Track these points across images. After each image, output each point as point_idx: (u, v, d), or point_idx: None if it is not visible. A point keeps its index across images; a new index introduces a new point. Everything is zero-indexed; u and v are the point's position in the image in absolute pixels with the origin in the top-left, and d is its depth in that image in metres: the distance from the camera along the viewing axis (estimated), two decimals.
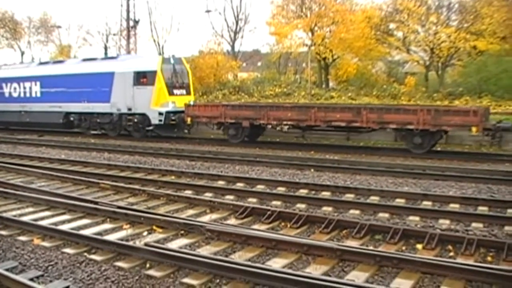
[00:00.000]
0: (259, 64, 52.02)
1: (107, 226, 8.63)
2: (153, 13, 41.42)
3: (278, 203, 10.23)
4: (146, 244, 7.16)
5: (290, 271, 6.22)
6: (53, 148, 20.67)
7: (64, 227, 8.32)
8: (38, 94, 27.81)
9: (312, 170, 14.28)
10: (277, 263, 6.68)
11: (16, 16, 48.41)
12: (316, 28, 31.68)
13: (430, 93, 26.91)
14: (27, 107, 28.17)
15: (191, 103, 22.94)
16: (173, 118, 22.86)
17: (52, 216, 9.30)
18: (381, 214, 9.23)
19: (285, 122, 19.75)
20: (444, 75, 31.13)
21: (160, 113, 22.83)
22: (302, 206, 9.96)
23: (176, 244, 7.53)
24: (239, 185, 12.17)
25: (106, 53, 45.84)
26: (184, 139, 22.99)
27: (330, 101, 27.06)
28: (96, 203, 9.78)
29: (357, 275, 6.23)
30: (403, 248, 7.43)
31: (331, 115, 18.65)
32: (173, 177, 13.41)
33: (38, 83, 27.73)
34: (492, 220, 8.70)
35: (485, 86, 24.72)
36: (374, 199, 10.52)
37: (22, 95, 28.74)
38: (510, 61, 25.62)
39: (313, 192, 11.29)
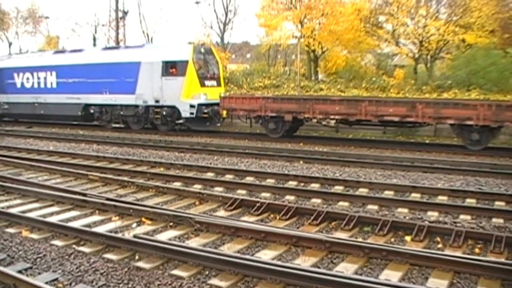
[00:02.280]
0: (248, 55, 51.87)
1: (96, 218, 8.61)
2: (142, 4, 41.04)
3: (267, 195, 10.25)
4: (135, 236, 7.15)
5: (279, 262, 6.24)
6: (41, 139, 20.53)
7: (53, 219, 8.29)
8: (54, 85, 26.22)
9: (301, 162, 14.31)
10: (266, 255, 6.71)
11: (3, 6, 47.90)
12: (305, 20, 31.62)
13: (419, 86, 27.01)
14: (41, 98, 26.62)
15: (222, 95, 21.87)
16: (205, 111, 21.73)
17: (41, 208, 9.26)
18: (370, 206, 9.27)
19: (332, 116, 18.94)
20: (433, 68, 31.21)
21: (192, 106, 21.60)
22: (291, 198, 9.99)
23: (165, 236, 7.53)
24: (228, 177, 12.17)
25: (94, 44, 45.46)
26: (174, 131, 22.76)
27: (319, 93, 27.05)
28: (84, 195, 9.75)
29: (346, 267, 6.27)
30: (392, 240, 7.48)
31: (383, 109, 17.69)
32: (162, 168, 13.38)
33: (54, 73, 26.13)
34: (480, 212, 8.77)
35: (474, 79, 24.79)
36: (363, 191, 10.56)
37: (35, 85, 27.02)
38: (498, 54, 25.74)
39: (302, 184, 11.33)
